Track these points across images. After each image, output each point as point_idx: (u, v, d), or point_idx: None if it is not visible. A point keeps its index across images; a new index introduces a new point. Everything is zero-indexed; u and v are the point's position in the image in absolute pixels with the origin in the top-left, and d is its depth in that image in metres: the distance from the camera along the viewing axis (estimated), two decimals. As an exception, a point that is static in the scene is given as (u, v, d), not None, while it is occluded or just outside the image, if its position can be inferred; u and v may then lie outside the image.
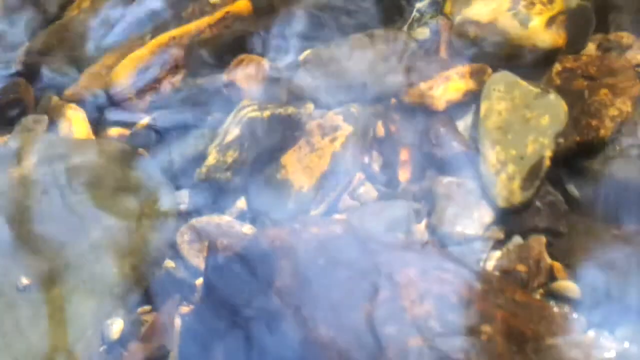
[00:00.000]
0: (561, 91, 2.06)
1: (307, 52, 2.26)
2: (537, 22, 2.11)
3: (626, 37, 2.18)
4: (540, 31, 2.11)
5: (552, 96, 2.02)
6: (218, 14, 2.33)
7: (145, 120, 2.22)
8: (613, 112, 1.99)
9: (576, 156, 1.98)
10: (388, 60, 2.19)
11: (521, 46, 2.11)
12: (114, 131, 2.22)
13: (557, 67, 2.12)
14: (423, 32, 2.26)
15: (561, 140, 1.97)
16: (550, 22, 2.12)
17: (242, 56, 2.28)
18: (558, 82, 2.09)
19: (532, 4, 2.14)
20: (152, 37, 2.37)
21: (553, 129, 1.98)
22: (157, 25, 2.43)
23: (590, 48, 2.18)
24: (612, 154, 1.95)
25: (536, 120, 1.99)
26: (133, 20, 2.43)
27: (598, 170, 1.93)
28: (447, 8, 2.28)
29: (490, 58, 2.13)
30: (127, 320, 1.85)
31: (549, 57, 2.12)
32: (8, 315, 1.79)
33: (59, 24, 2.48)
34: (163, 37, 2.32)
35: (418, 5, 2.32)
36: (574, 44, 2.17)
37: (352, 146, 2.06)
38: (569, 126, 1.99)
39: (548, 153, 1.95)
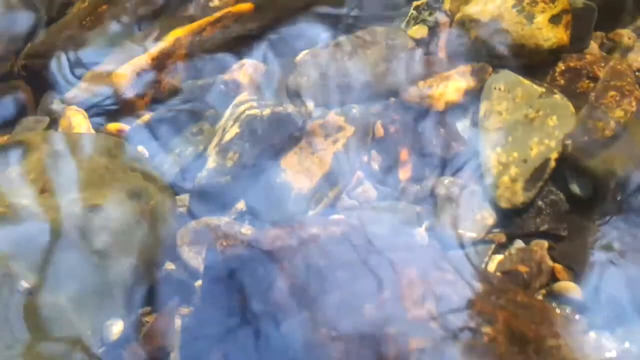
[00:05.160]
0: (565, 91, 2.05)
1: (306, 51, 2.27)
2: (540, 19, 2.10)
3: (626, 36, 2.18)
4: (544, 29, 2.10)
5: (558, 96, 2.02)
6: (218, 15, 2.33)
7: (145, 119, 2.22)
8: (619, 113, 1.98)
9: (580, 156, 1.97)
10: (387, 59, 2.19)
11: (524, 44, 2.10)
12: (114, 130, 2.22)
13: (561, 66, 2.11)
14: (421, 31, 2.26)
15: (568, 142, 1.96)
16: (554, 20, 2.11)
17: (243, 59, 2.29)
18: (562, 82, 2.08)
19: (535, 2, 2.13)
20: (157, 39, 2.38)
21: (561, 130, 1.97)
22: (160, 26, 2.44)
23: (594, 47, 2.18)
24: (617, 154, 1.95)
25: (541, 121, 1.98)
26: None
27: (602, 171, 1.93)
28: (447, 5, 2.28)
29: (491, 57, 2.13)
30: (127, 321, 1.85)
31: (552, 55, 2.11)
32: (8, 318, 1.79)
33: (60, 24, 2.48)
34: (165, 40, 2.32)
35: (416, 3, 2.32)
36: (577, 43, 2.16)
37: (353, 147, 2.06)
38: (576, 127, 1.98)
39: (554, 155, 1.94)
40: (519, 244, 1.88)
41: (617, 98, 2.00)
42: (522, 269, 1.81)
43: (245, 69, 2.25)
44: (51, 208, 1.91)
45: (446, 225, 1.91)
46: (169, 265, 1.96)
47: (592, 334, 1.68)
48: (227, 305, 1.69)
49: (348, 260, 1.64)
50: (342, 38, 2.27)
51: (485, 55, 2.14)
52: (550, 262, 1.84)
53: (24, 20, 2.49)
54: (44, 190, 1.95)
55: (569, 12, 2.13)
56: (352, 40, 2.25)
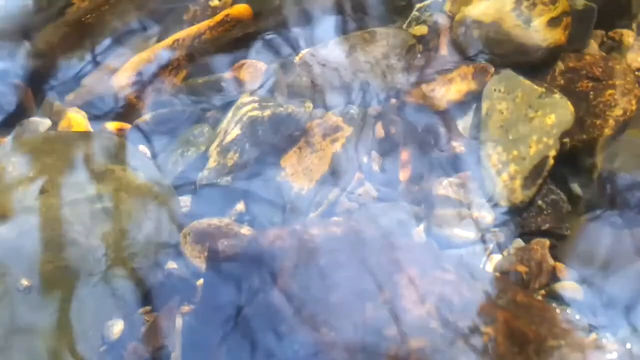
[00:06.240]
0: (565, 91, 2.05)
1: (305, 51, 2.27)
2: (537, 23, 2.11)
3: (626, 35, 2.18)
4: (542, 31, 2.10)
5: (557, 95, 2.02)
6: (218, 17, 2.34)
7: (146, 119, 2.22)
8: (618, 112, 1.98)
9: (581, 155, 1.97)
10: (388, 59, 2.19)
11: (524, 44, 2.10)
12: (114, 129, 2.22)
13: (560, 66, 2.11)
14: (422, 31, 2.26)
15: (566, 140, 1.96)
16: (553, 22, 2.12)
17: (243, 61, 2.29)
18: (562, 82, 2.08)
19: (534, 4, 2.14)
20: (158, 40, 2.38)
21: (559, 128, 1.97)
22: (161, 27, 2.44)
23: (593, 46, 2.18)
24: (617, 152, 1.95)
25: (540, 119, 1.98)
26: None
27: (602, 169, 1.92)
28: (448, 6, 2.28)
29: (492, 56, 2.13)
30: (128, 320, 1.85)
31: (551, 55, 2.11)
32: (8, 317, 1.79)
33: (61, 23, 2.48)
34: (166, 41, 2.33)
35: (418, 5, 2.32)
36: (577, 42, 2.16)
37: (353, 147, 2.06)
38: (574, 126, 1.98)
39: (552, 153, 1.94)
40: (518, 243, 1.88)
41: (616, 96, 2.00)
42: (521, 268, 1.81)
43: (246, 69, 2.25)
44: (52, 208, 1.91)
45: (446, 225, 1.91)
46: (171, 265, 1.96)
47: (593, 335, 1.68)
48: (227, 305, 1.69)
49: (348, 261, 1.64)
50: (342, 37, 2.27)
51: (486, 55, 2.14)
52: (551, 261, 1.83)
53: (25, 20, 2.49)
54: (45, 190, 1.95)
55: (569, 14, 2.14)
56: (352, 40, 2.25)
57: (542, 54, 2.11)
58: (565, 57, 2.12)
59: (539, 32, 2.10)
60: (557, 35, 2.11)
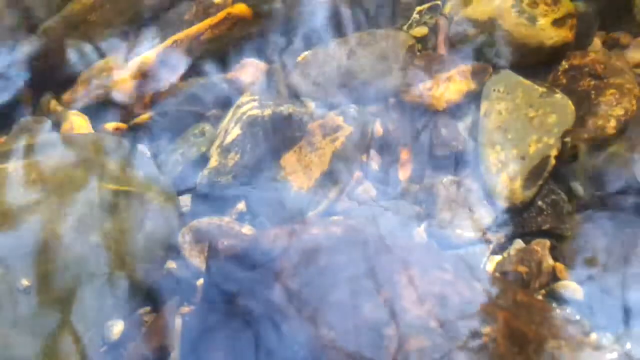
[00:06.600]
0: (567, 90, 2.05)
1: (307, 52, 2.26)
2: (543, 22, 2.10)
3: (623, 37, 2.18)
4: (547, 30, 2.10)
5: (559, 95, 2.02)
6: (220, 15, 2.34)
7: (146, 119, 2.22)
8: (619, 111, 1.98)
9: (581, 155, 1.97)
10: (388, 59, 2.19)
11: (526, 44, 2.10)
12: (113, 129, 2.22)
13: (564, 65, 2.10)
14: (422, 32, 2.26)
15: (568, 139, 1.96)
16: (557, 22, 2.11)
17: (244, 60, 2.29)
18: (564, 80, 2.08)
19: (536, 3, 2.13)
20: (159, 39, 2.38)
21: (559, 128, 1.97)
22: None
23: (596, 44, 2.17)
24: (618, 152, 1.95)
25: (541, 119, 1.98)
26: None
27: (603, 169, 1.92)
28: (448, 8, 2.27)
29: (492, 56, 2.13)
30: (128, 321, 1.86)
31: (555, 54, 2.11)
32: (8, 316, 1.79)
33: (60, 20, 2.47)
34: (167, 41, 2.33)
35: (419, 8, 2.32)
36: (580, 42, 2.16)
37: (352, 146, 2.06)
38: (576, 125, 1.98)
39: (554, 152, 1.94)
40: (518, 243, 1.88)
41: (617, 96, 2.00)
42: (521, 269, 1.81)
43: (247, 69, 2.26)
44: (52, 208, 1.91)
45: (446, 225, 1.91)
46: (171, 264, 1.96)
47: (593, 335, 1.67)
48: (227, 305, 1.69)
49: (348, 261, 1.64)
50: (343, 38, 2.27)
51: (486, 54, 2.14)
52: (551, 262, 1.83)
53: (24, 19, 2.49)
54: (45, 190, 1.95)
55: (574, 15, 2.13)
56: (353, 40, 2.25)
57: (547, 52, 2.10)
58: (570, 55, 2.12)
59: (545, 31, 2.09)
60: (564, 34, 2.10)
